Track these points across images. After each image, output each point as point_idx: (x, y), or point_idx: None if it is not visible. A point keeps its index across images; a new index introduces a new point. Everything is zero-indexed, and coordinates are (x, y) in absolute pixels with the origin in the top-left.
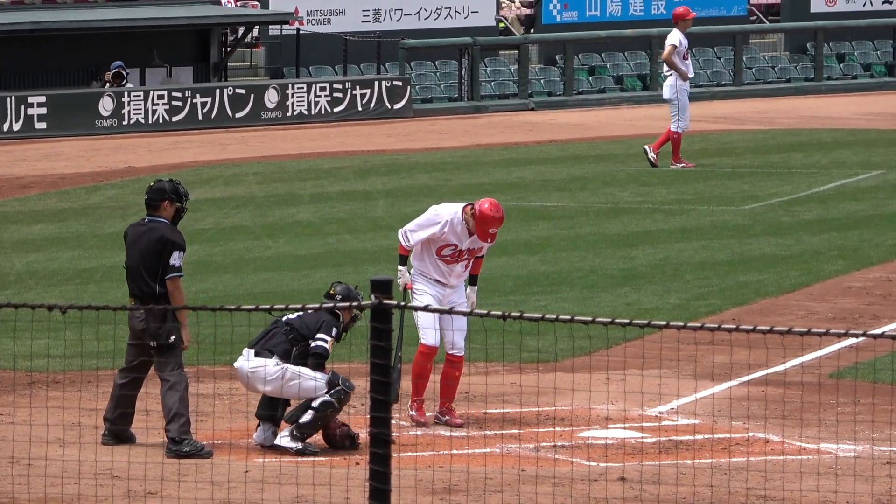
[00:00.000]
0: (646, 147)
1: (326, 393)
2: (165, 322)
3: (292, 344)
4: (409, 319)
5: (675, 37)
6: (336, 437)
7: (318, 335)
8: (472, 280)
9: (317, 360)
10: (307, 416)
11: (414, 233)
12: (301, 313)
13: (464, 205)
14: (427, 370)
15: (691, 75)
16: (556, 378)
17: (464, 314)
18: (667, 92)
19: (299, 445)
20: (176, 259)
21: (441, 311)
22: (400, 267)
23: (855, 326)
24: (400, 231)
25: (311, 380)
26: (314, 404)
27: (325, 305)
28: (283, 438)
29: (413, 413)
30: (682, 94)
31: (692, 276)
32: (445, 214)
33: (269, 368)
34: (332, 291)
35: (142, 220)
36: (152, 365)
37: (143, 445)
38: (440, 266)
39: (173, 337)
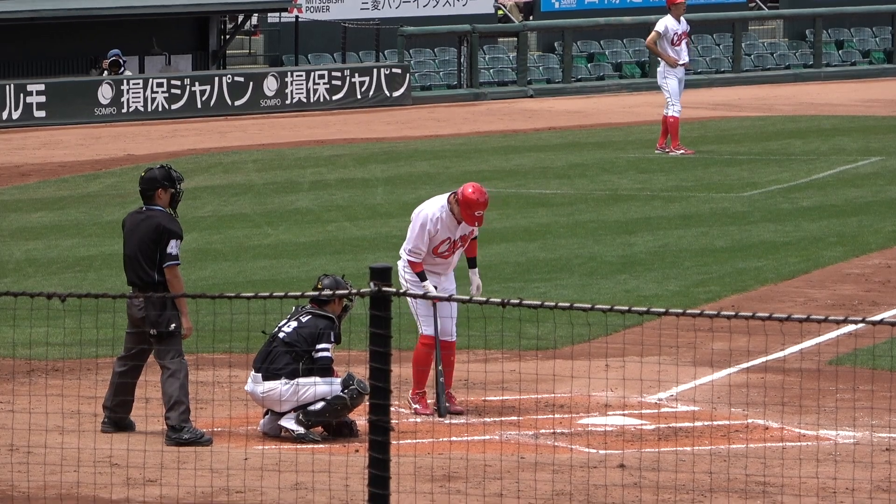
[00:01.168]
0: (657, 151)
1: (341, 391)
2: (165, 310)
3: (297, 361)
4: (405, 307)
5: (661, 23)
6: (334, 424)
7: (319, 346)
8: (471, 263)
9: (324, 372)
10: (317, 405)
11: (418, 247)
12: (296, 325)
13: (447, 195)
14: (429, 361)
15: (683, 61)
16: (556, 365)
17: (460, 300)
18: (658, 78)
19: (301, 430)
20: (173, 247)
21: (440, 299)
22: (424, 283)
23: (854, 313)
24: (403, 253)
25: (325, 384)
26: (327, 396)
27: (324, 293)
28: (289, 420)
29: (417, 406)
30: (670, 79)
31: (691, 263)
32: (431, 211)
33: (280, 389)
34: (319, 286)
35: (139, 208)
36: (151, 352)
37: (142, 433)
38: (437, 260)
39: (173, 325)
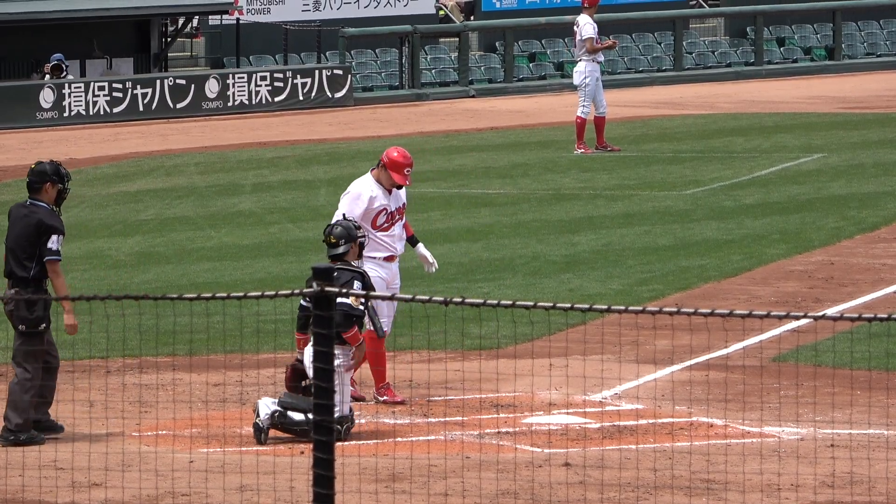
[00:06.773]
0: (597, 150)
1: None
2: (35, 308)
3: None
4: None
5: (588, 26)
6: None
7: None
8: (413, 241)
9: (342, 320)
10: (298, 416)
11: (353, 213)
12: None
13: (368, 173)
14: (383, 354)
15: (600, 59)
16: (499, 364)
17: (402, 299)
18: (576, 78)
19: (267, 423)
20: (54, 243)
21: (384, 298)
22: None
23: (797, 310)
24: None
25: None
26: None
27: (267, 293)
28: (267, 402)
29: (386, 398)
30: (590, 79)
31: (635, 262)
32: (360, 186)
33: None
34: (333, 241)
35: (24, 201)
36: (50, 349)
37: (86, 437)
38: (383, 239)
39: (42, 325)
